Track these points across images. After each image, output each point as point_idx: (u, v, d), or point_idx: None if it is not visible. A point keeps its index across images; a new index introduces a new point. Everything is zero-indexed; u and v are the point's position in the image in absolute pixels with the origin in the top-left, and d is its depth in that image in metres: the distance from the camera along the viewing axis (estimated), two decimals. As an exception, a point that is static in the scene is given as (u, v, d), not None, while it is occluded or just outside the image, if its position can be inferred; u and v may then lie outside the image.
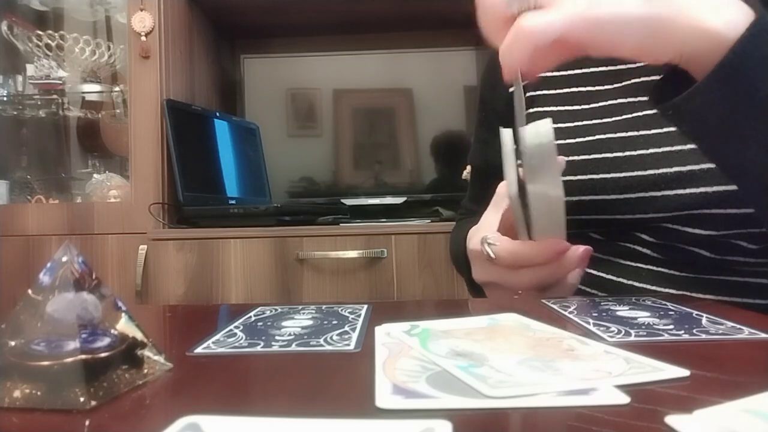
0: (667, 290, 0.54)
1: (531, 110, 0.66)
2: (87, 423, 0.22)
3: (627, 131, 0.57)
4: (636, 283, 0.56)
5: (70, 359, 0.23)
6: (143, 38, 1.28)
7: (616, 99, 0.60)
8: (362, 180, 1.64)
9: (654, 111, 0.57)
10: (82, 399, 0.23)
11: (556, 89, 0.66)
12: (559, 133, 0.62)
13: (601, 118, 0.60)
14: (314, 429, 0.20)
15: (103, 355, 0.24)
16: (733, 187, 0.50)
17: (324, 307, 0.43)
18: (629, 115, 0.58)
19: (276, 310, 0.42)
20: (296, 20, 1.65)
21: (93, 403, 0.23)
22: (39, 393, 0.23)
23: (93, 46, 1.44)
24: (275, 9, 1.56)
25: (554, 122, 0.64)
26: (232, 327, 0.37)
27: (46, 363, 0.23)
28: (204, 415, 0.21)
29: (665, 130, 0.55)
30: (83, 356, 0.23)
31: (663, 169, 0.54)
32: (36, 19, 1.55)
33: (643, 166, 0.55)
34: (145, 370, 0.27)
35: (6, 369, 0.24)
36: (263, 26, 1.70)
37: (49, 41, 1.42)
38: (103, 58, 1.46)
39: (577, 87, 0.64)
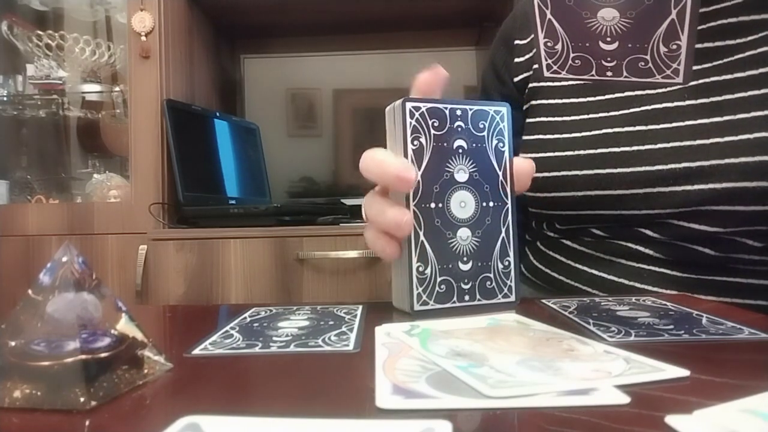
0: (668, 292, 0.54)
1: (534, 102, 0.64)
2: (87, 423, 0.22)
3: (635, 125, 0.56)
4: (637, 284, 0.56)
5: (70, 359, 0.23)
6: (143, 38, 1.28)
7: (623, 91, 0.58)
8: (362, 180, 1.62)
9: (662, 105, 0.56)
10: (82, 399, 0.23)
11: (560, 81, 0.63)
12: (564, 127, 0.61)
13: (608, 111, 0.58)
14: (314, 429, 0.20)
15: (103, 355, 0.24)
16: (743, 184, 0.49)
17: (319, 307, 0.43)
18: (637, 109, 0.56)
19: (270, 311, 0.42)
20: (296, 20, 1.65)
21: (93, 403, 0.23)
22: (39, 393, 0.23)
23: (93, 46, 1.44)
24: (275, 9, 1.56)
25: (559, 115, 0.63)
26: (227, 328, 0.37)
27: (46, 363, 0.23)
28: (204, 415, 0.21)
29: (674, 124, 0.54)
30: (83, 356, 0.23)
31: (671, 164, 0.52)
32: (36, 19, 1.55)
33: (651, 161, 0.53)
34: (145, 370, 0.27)
35: (6, 369, 0.24)
36: (263, 26, 1.70)
37: (49, 41, 1.42)
38: (103, 58, 1.46)
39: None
